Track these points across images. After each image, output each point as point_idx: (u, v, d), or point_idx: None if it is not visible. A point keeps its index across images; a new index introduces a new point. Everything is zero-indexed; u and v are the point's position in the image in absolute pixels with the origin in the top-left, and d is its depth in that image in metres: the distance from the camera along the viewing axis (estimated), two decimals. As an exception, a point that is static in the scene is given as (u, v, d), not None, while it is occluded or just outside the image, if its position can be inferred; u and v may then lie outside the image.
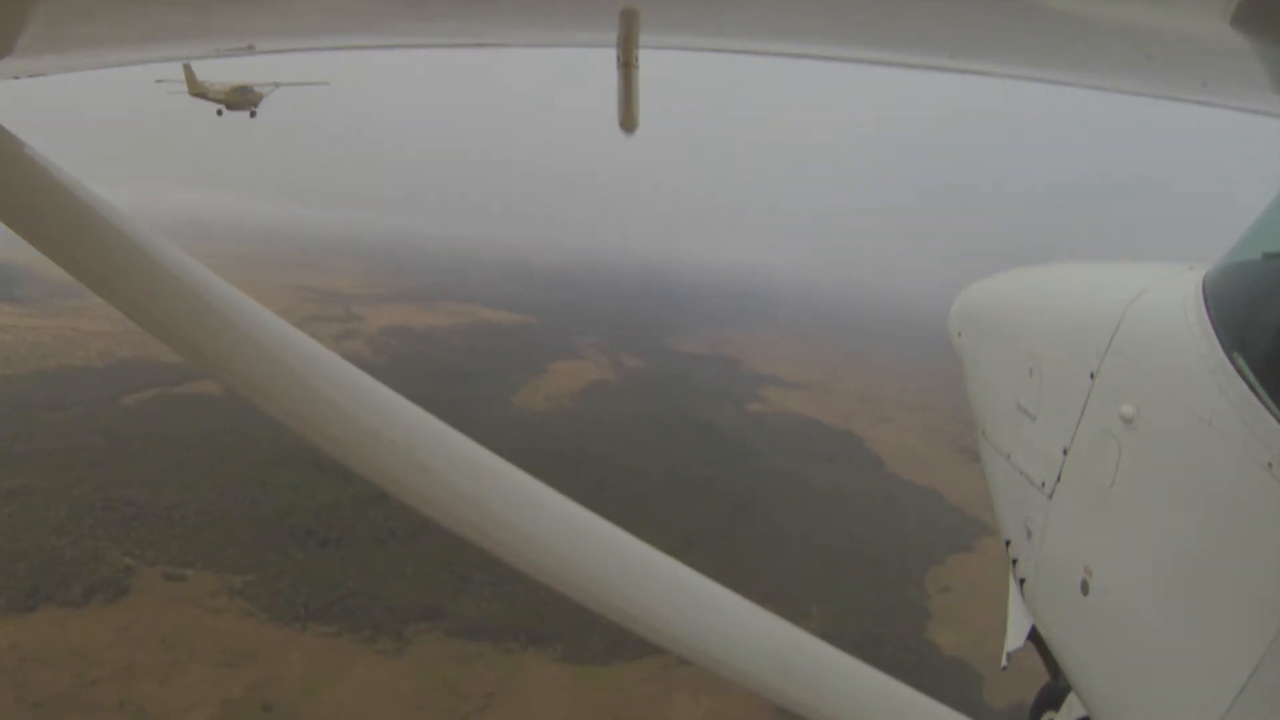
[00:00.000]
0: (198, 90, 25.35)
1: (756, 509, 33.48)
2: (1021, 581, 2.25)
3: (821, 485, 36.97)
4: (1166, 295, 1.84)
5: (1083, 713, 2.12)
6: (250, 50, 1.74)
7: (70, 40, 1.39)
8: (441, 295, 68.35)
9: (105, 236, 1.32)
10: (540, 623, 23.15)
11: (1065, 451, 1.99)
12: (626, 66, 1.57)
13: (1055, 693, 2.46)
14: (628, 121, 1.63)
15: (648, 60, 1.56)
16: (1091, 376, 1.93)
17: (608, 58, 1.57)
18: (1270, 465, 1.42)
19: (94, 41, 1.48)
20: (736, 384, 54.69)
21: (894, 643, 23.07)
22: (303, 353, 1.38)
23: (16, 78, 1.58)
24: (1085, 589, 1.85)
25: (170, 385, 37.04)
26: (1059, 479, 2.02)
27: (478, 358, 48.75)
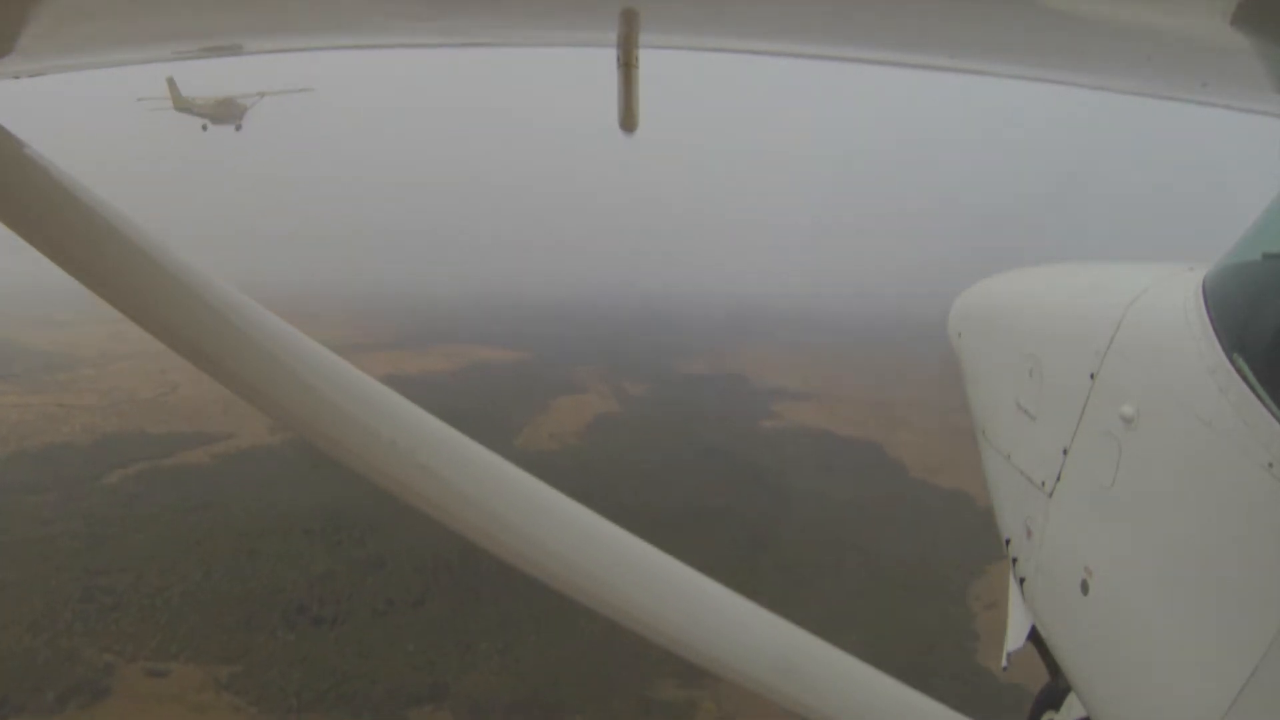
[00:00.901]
0: (182, 105, 25.66)
1: (779, 534, 32.79)
2: (1021, 581, 2.26)
3: (845, 500, 36.36)
4: (1166, 296, 1.87)
5: (1083, 713, 2.11)
6: (246, 50, 1.80)
7: (70, 39, 1.43)
8: (434, 337, 68.87)
9: (106, 237, 1.34)
10: (557, 691, 22.03)
11: (1065, 451, 2.01)
12: (627, 66, 1.64)
13: (1055, 693, 2.46)
14: (628, 122, 1.71)
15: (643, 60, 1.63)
16: (1091, 377, 1.94)
17: (605, 57, 1.64)
18: (1270, 465, 1.44)
19: (97, 40, 1.52)
20: (744, 401, 54.66)
21: (944, 673, 21.99)
22: (303, 353, 1.39)
23: (16, 77, 1.62)
24: (1085, 589, 1.86)
25: (157, 459, 36.45)
26: (1059, 479, 2.04)
27: (477, 400, 48.76)
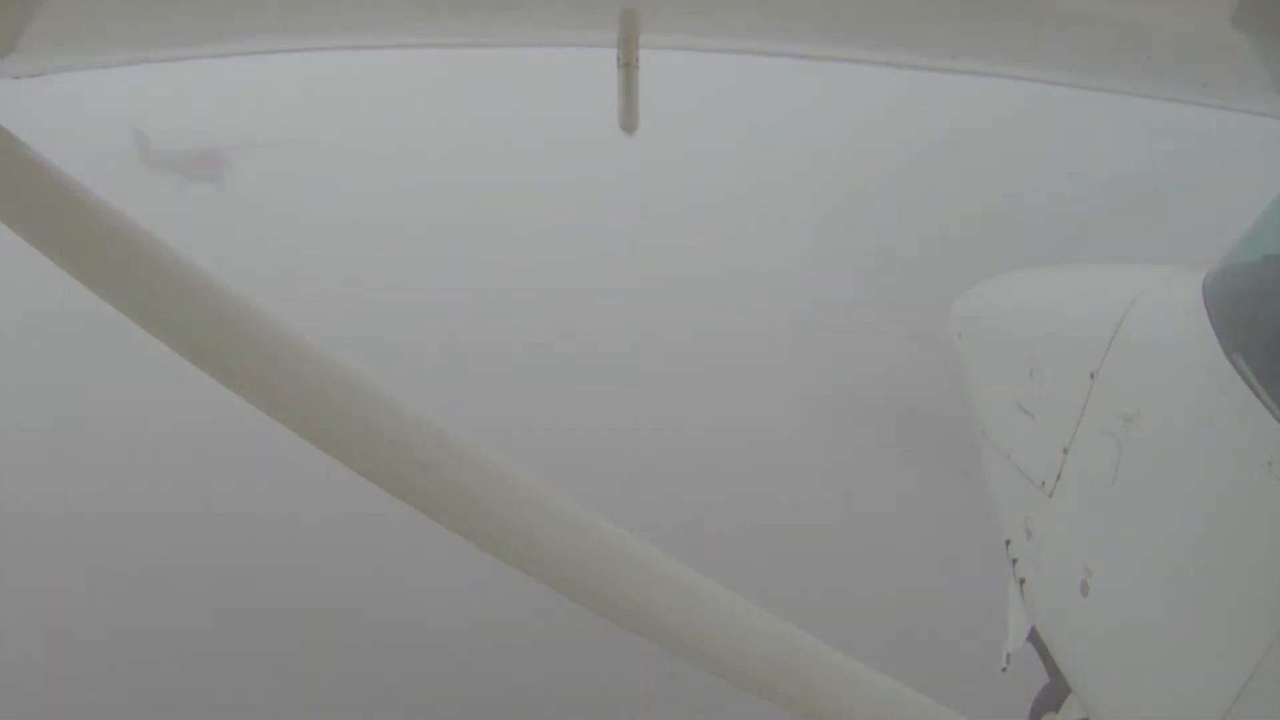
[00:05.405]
0: (154, 160, 23.11)
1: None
2: (1021, 582, 2.28)
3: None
4: (1167, 296, 1.90)
5: (1082, 714, 2.13)
6: (245, 50, 1.81)
7: (70, 39, 1.46)
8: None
9: (105, 237, 1.36)
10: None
11: (1065, 450, 2.04)
12: (627, 67, 1.68)
13: (1054, 694, 2.47)
14: (628, 122, 1.75)
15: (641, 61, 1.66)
16: (1092, 377, 1.97)
17: (606, 58, 1.67)
18: (1270, 465, 1.45)
19: (98, 40, 1.56)
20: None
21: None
22: (303, 352, 1.40)
23: (17, 78, 1.64)
24: (1085, 589, 1.87)
25: None
26: (1059, 478, 2.06)
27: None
